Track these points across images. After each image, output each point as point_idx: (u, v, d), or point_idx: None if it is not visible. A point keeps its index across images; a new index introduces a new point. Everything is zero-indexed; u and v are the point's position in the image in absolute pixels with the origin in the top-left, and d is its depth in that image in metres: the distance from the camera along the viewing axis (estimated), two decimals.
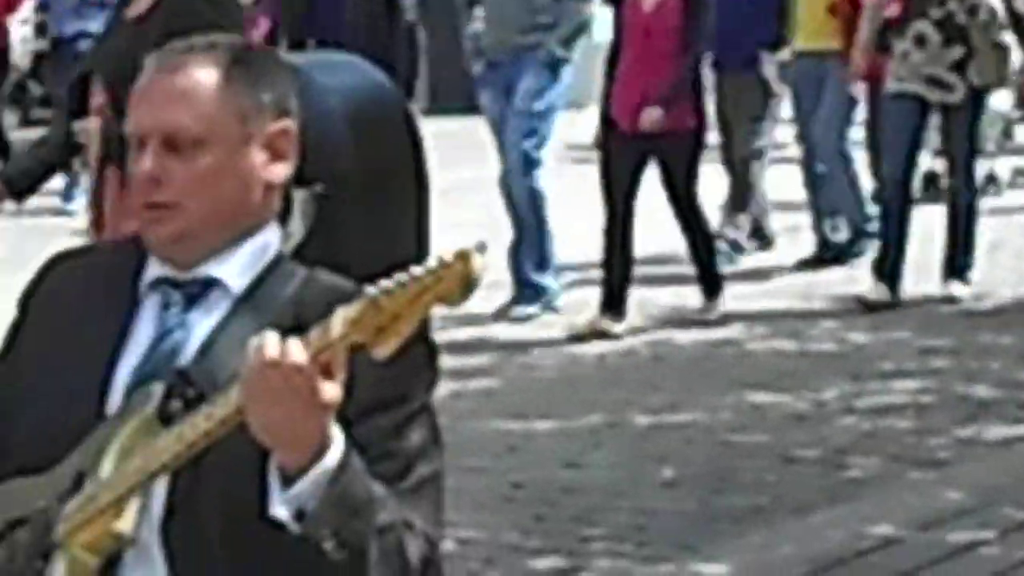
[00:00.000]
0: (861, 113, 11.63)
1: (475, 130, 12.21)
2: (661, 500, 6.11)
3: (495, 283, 8.51)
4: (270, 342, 2.03)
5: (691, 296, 9.86)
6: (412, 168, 3.20)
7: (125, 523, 2.24)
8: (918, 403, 7.39)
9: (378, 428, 2.22)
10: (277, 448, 2.10)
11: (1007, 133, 14.37)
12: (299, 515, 2.10)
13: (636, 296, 9.67)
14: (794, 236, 11.90)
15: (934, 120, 10.39)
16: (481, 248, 2.06)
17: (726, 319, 9.42)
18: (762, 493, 6.13)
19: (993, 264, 10.78)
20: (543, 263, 10.20)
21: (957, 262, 10.09)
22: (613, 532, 5.72)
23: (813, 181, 11.31)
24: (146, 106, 2.35)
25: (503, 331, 9.42)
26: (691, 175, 9.70)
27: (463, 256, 1.99)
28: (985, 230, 10.60)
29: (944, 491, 6.02)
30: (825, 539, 5.36)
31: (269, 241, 2.41)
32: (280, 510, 2.11)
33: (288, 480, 2.10)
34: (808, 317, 9.78)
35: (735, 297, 9.79)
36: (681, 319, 9.55)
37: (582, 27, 10.54)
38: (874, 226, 10.64)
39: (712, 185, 11.05)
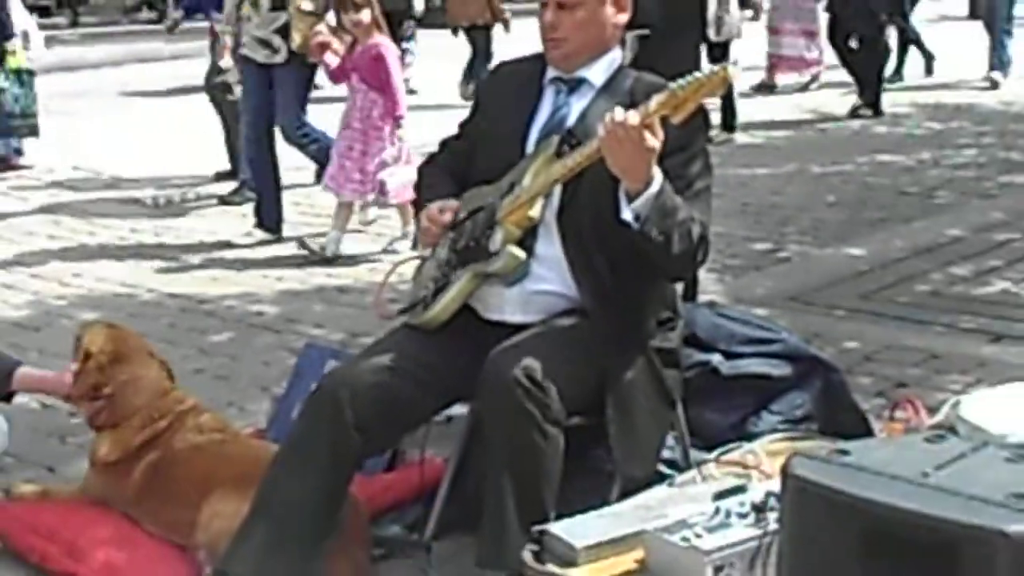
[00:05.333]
0: None
1: None
2: (827, 213, 7.69)
3: None
4: (618, 112, 2.95)
5: None
6: (696, 21, 4.10)
7: (535, 211, 3.20)
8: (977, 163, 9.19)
9: (676, 162, 3.11)
10: (624, 177, 3.00)
11: None
12: (637, 218, 3.00)
13: None
14: None
15: None
16: (735, 63, 3.15)
17: None
18: (884, 211, 7.77)
19: None
20: None
21: None
22: (799, 230, 7.30)
23: None
24: None
25: None
26: None
27: (724, 69, 2.96)
28: None
29: (992, 212, 7.65)
30: (920, 237, 7.04)
31: (615, 57, 3.36)
32: (627, 214, 3.01)
33: (630, 198, 3.00)
34: None
35: None
36: None
37: None
38: None
39: None
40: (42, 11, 18.51)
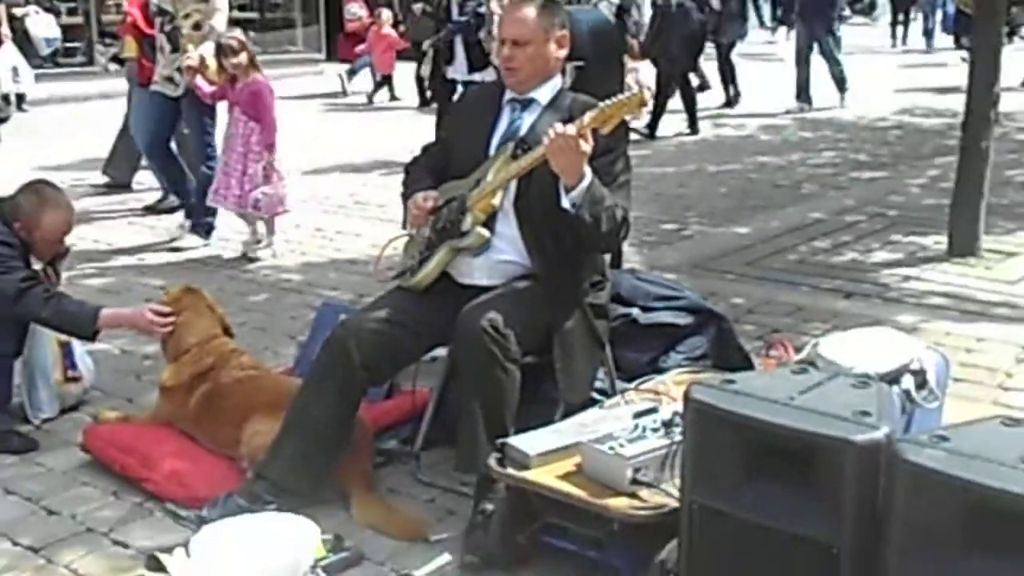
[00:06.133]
0: None
1: None
2: (720, 201, 7.66)
3: None
4: (559, 126, 2.98)
5: None
6: (618, 55, 4.12)
7: (497, 200, 3.22)
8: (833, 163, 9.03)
9: (604, 162, 3.13)
10: (563, 175, 3.02)
11: None
12: (574, 205, 3.02)
13: None
14: None
15: None
16: (649, 88, 3.19)
17: None
18: (763, 200, 7.66)
19: None
20: None
21: None
22: (698, 214, 7.25)
23: None
24: (505, 26, 3.29)
25: None
26: None
27: (640, 93, 3.07)
28: None
29: (845, 200, 7.58)
30: (790, 219, 7.01)
31: (557, 82, 3.36)
32: (566, 203, 3.04)
33: (568, 190, 3.02)
34: None
35: None
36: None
37: None
38: None
39: None
40: None
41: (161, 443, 3.46)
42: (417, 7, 12.34)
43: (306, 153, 8.88)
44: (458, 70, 8.67)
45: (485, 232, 3.23)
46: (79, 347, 4.02)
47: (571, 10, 3.76)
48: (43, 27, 11.89)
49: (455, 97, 8.27)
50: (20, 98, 10.04)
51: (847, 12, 22.74)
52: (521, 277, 3.24)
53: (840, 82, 12.17)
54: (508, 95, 3.38)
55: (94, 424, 3.71)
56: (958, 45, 17.50)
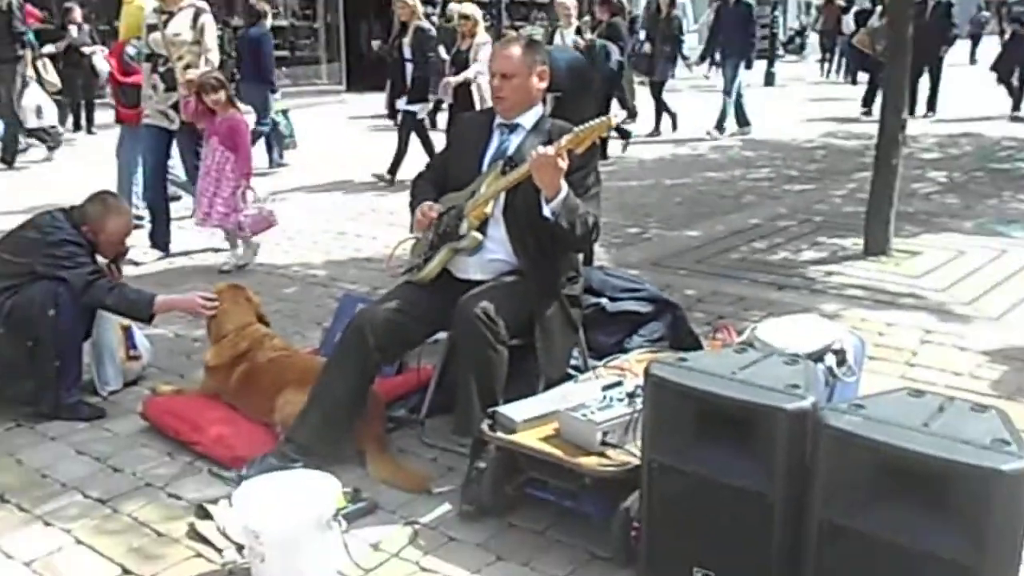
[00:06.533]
0: None
1: None
2: (675, 209, 7.57)
3: None
4: (540, 147, 2.98)
5: None
6: (589, 88, 4.10)
7: (489, 208, 3.21)
8: (769, 177, 8.07)
9: (578, 177, 3.11)
10: (544, 188, 3.00)
11: None
12: (553, 213, 3.01)
13: None
14: None
15: None
16: (615, 115, 3.17)
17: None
18: (711, 208, 7.57)
19: None
20: None
21: None
22: (657, 220, 7.15)
23: None
24: (495, 62, 3.28)
25: None
26: None
27: (608, 119, 2.99)
28: None
29: (778, 208, 7.49)
30: (733, 224, 6.83)
31: (539, 110, 3.34)
32: (547, 211, 3.03)
33: (548, 201, 3.01)
34: None
35: None
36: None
37: None
38: None
39: None
40: None
41: (208, 412, 3.45)
42: (375, 43, 11.92)
43: (335, 168, 8.87)
44: (402, 100, 8.53)
45: (479, 235, 3.22)
46: (139, 331, 4.01)
47: (550, 49, 3.75)
48: (106, 64, 11.77)
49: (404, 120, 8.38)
50: (45, 131, 9.79)
51: (781, 51, 22.74)
52: (509, 273, 3.23)
53: (727, 114, 11.66)
54: (498, 120, 3.37)
55: (152, 396, 3.71)
56: (853, 80, 17.02)
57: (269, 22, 9.46)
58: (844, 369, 3.02)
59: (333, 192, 8.46)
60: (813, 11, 26.15)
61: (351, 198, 8.28)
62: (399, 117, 8.68)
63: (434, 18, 13.38)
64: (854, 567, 2.10)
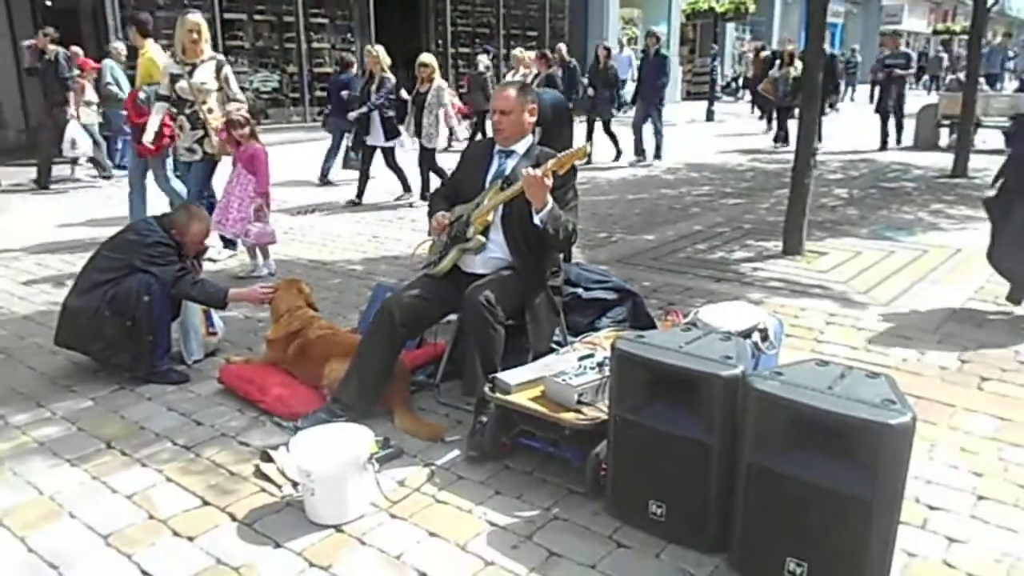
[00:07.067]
0: None
1: None
2: (635, 219, 7.37)
3: None
4: (530, 169, 2.95)
5: None
6: (567, 121, 4.07)
7: (491, 217, 3.17)
8: (709, 193, 7.97)
9: (560, 192, 3.07)
10: (534, 201, 2.96)
11: None
12: (541, 222, 2.97)
13: None
14: None
15: None
16: (590, 144, 3.15)
17: None
18: (663, 217, 7.28)
19: None
20: None
21: None
22: (621, 227, 6.89)
23: None
24: (496, 102, 3.22)
25: None
26: None
27: (585, 147, 2.99)
28: None
29: (715, 217, 7.20)
30: (681, 230, 6.35)
31: (529, 139, 3.28)
32: (536, 220, 2.99)
33: (537, 211, 2.97)
34: None
35: None
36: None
37: None
38: None
39: None
40: None
41: (270, 377, 3.42)
42: (351, 115, 11.41)
43: (369, 188, 8.70)
44: (375, 138, 8.09)
45: (482, 238, 3.19)
46: (216, 313, 3.97)
47: (538, 91, 3.72)
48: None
49: (373, 157, 7.99)
50: (74, 160, 9.27)
51: (720, 94, 22.56)
52: (506, 268, 3.19)
53: (658, 147, 11.39)
54: (497, 147, 3.32)
55: (226, 364, 3.67)
56: (768, 120, 16.02)
57: (355, 70, 9.59)
58: (767, 344, 3.03)
59: (370, 204, 8.39)
60: (745, 62, 26.01)
61: (385, 209, 8.22)
62: (375, 151, 8.20)
63: (486, 61, 12.44)
64: (774, 500, 2.11)
